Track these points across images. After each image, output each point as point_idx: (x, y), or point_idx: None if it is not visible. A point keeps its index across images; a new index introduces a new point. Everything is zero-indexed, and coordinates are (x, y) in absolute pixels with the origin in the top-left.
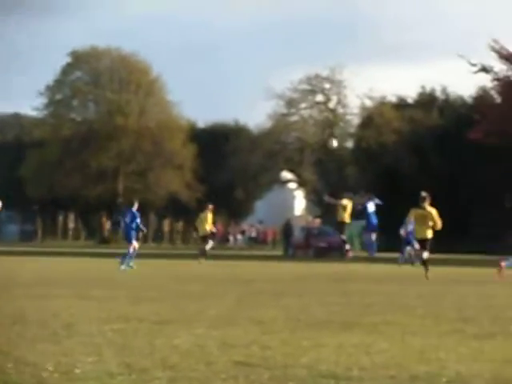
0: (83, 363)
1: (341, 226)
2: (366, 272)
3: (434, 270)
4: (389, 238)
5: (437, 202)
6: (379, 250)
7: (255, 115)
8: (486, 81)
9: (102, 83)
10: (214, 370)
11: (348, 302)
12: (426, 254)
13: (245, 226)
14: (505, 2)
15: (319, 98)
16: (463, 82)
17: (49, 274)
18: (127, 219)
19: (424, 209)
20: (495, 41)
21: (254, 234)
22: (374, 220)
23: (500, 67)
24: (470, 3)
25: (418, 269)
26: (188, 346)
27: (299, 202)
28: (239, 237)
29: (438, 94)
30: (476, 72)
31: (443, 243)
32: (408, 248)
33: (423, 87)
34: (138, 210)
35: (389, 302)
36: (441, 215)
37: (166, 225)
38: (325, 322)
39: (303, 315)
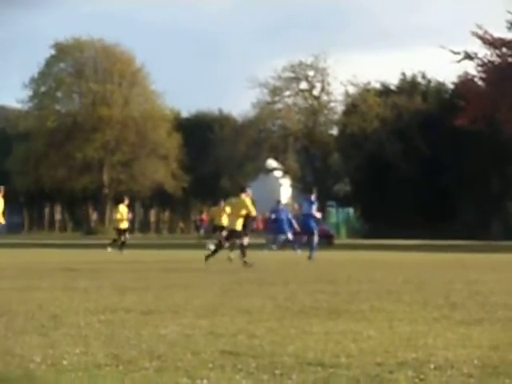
0: (71, 355)
1: None
2: (353, 259)
3: (421, 256)
4: (377, 224)
5: (422, 187)
6: (366, 236)
7: (240, 104)
8: (468, 66)
9: (86, 74)
10: (200, 359)
11: (335, 289)
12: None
13: None
14: None
15: (303, 85)
16: (444, 68)
17: (35, 266)
18: (305, 209)
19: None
20: (479, 26)
21: None
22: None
23: (484, 53)
24: None
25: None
26: (175, 335)
27: (285, 190)
28: None
29: (420, 80)
30: (460, 60)
31: (431, 228)
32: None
33: (404, 74)
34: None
35: (376, 289)
36: (427, 200)
37: (152, 215)
38: (311, 310)
39: (290, 303)
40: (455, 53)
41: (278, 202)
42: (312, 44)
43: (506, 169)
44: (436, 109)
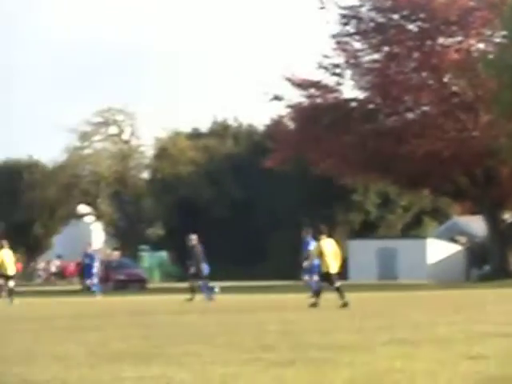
0: None
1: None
2: (166, 303)
3: (234, 298)
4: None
5: (235, 229)
6: (180, 279)
7: (51, 149)
8: (280, 108)
9: None
10: None
11: (148, 334)
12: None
13: (42, 261)
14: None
15: (112, 130)
16: (256, 111)
17: None
18: None
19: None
20: (287, 68)
21: (54, 269)
22: None
23: (293, 94)
24: (262, 32)
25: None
26: None
27: (97, 235)
28: (41, 273)
29: (231, 122)
30: (270, 101)
31: (243, 270)
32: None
33: (215, 116)
34: None
35: (189, 333)
36: (239, 243)
37: None
38: (125, 355)
39: (103, 349)
40: (265, 93)
41: (89, 245)
42: (121, 89)
43: (313, 208)
44: (247, 151)
